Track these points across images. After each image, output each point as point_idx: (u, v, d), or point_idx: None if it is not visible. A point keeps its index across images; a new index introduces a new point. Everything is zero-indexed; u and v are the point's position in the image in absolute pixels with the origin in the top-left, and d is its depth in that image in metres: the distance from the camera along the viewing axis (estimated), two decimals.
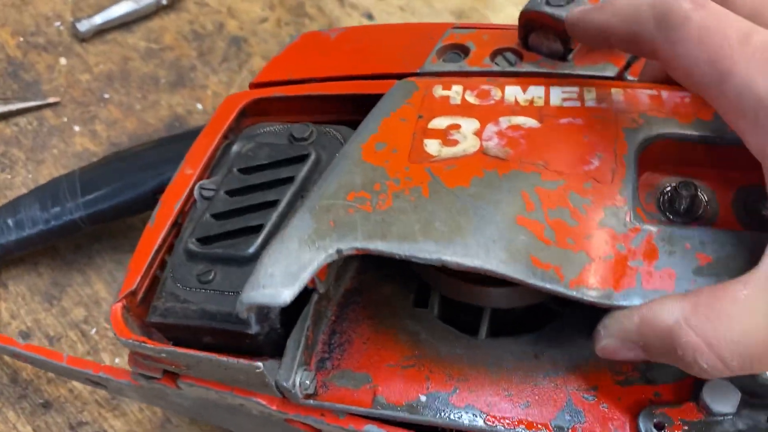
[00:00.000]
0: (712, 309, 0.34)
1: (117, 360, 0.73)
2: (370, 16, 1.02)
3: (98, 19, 0.93)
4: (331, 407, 0.46)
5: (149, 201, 0.73)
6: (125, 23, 0.96)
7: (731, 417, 0.40)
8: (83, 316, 0.76)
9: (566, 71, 0.53)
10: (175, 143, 0.76)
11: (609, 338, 0.39)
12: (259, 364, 0.43)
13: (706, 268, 0.38)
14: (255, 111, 0.58)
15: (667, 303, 0.36)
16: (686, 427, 0.41)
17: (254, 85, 0.59)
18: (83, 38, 0.94)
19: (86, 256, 0.80)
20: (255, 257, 0.46)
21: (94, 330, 0.75)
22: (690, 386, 0.42)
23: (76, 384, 0.73)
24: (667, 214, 0.43)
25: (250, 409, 0.50)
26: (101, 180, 0.73)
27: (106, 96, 0.90)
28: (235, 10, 1.01)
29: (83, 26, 0.93)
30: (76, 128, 0.87)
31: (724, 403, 0.40)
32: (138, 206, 0.74)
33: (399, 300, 0.50)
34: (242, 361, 0.43)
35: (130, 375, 0.54)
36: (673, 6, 0.37)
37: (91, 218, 0.72)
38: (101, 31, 0.95)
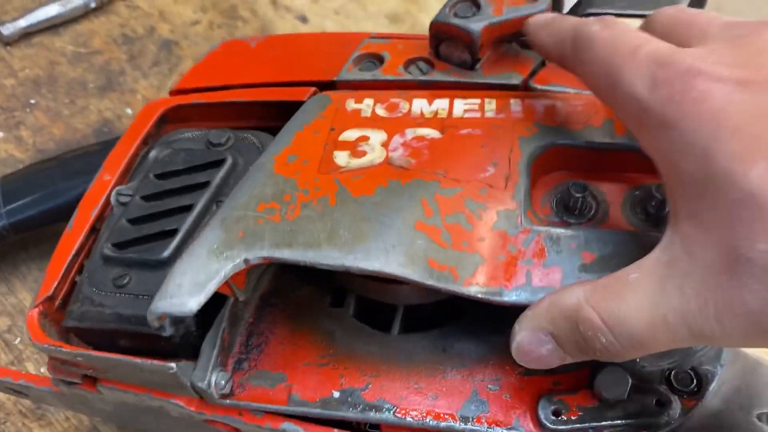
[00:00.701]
0: (608, 289, 0.37)
1: (42, 369, 0.72)
2: (303, 19, 1.03)
3: (23, 22, 0.92)
4: (247, 406, 0.47)
5: (75, 209, 0.72)
6: (52, 26, 0.95)
7: (623, 401, 0.43)
8: (7, 325, 0.75)
9: (474, 80, 0.55)
10: (100, 151, 0.75)
11: (522, 331, 0.41)
12: (172, 365, 0.44)
13: (590, 265, 0.41)
14: (175, 118, 0.58)
15: (572, 287, 0.39)
16: (581, 413, 0.43)
17: (175, 92, 0.60)
18: (8, 42, 0.92)
19: (11, 265, 0.79)
20: (169, 261, 0.47)
21: (18, 340, 0.74)
22: (586, 375, 0.45)
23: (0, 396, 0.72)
24: (562, 215, 0.46)
25: (169, 410, 0.51)
26: (26, 188, 0.72)
27: (32, 101, 0.89)
28: (166, 13, 1.01)
29: (7, 29, 0.91)
30: (1, 134, 0.86)
31: (615, 390, 0.43)
32: (65, 214, 0.73)
33: (316, 301, 0.51)
34: (156, 362, 0.44)
35: (51, 381, 0.54)
36: (584, 29, 0.42)
37: (14, 227, 0.71)
38: (27, 34, 0.93)
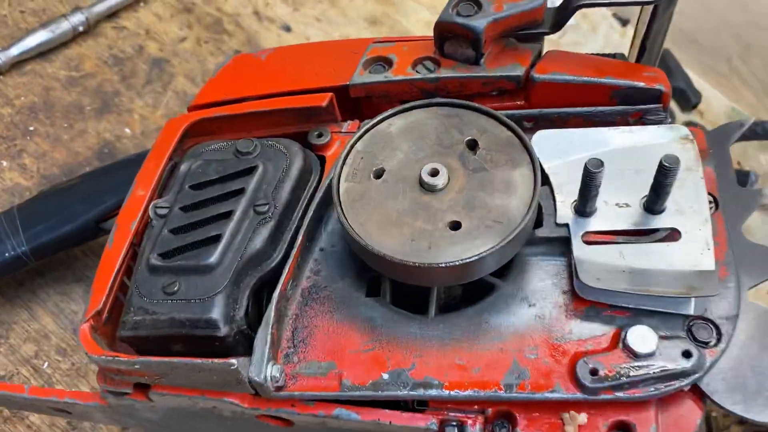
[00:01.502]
0: None
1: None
2: (288, 29, 1.06)
3: (14, 51, 0.93)
4: (301, 396, 0.50)
5: (91, 231, 0.74)
6: (42, 53, 0.96)
7: (652, 355, 0.47)
8: (33, 351, 0.76)
9: (480, 74, 0.59)
10: (110, 173, 0.77)
11: None
12: (233, 361, 0.46)
13: None
14: (196, 132, 0.61)
15: None
16: (617, 370, 0.47)
17: (192, 108, 0.62)
18: (0, 71, 0.93)
19: (29, 292, 0.80)
20: (216, 265, 0.49)
21: (45, 364, 0.76)
22: (617, 336, 0.49)
23: (34, 419, 0.73)
24: None
25: (222, 410, 0.53)
26: (41, 214, 0.74)
27: (31, 128, 0.90)
28: (153, 31, 1.03)
29: None
30: (5, 164, 0.87)
31: (645, 345, 0.47)
32: (80, 237, 0.75)
33: (353, 292, 0.54)
34: (217, 361, 0.46)
35: (99, 395, 0.56)
36: None
37: (35, 252, 0.72)
38: (18, 63, 0.94)
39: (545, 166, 0.55)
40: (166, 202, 0.54)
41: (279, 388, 0.50)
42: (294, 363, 0.51)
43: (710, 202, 0.54)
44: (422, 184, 0.51)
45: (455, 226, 0.49)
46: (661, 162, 0.48)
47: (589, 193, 0.50)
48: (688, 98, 1.08)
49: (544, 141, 0.56)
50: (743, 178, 1.21)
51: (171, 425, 0.60)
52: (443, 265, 0.47)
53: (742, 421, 0.90)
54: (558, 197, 0.53)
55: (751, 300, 0.51)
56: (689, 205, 0.52)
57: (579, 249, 0.51)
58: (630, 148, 0.55)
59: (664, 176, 0.48)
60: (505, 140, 0.53)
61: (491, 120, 0.54)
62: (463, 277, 0.49)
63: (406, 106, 0.55)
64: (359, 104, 0.62)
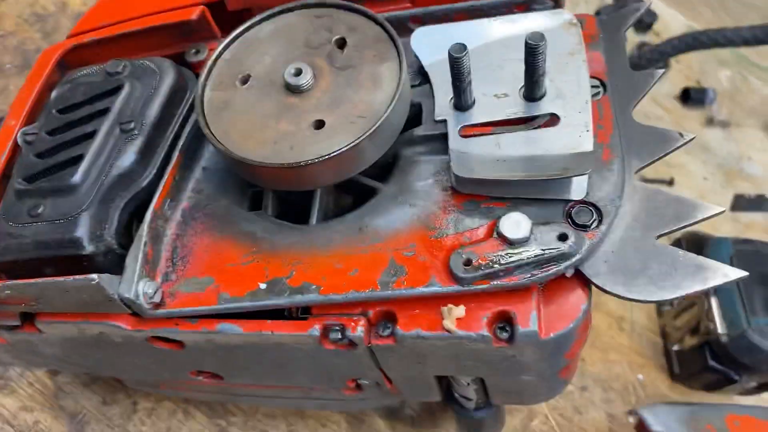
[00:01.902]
0: None
1: None
2: None
3: None
4: (180, 313, 0.49)
5: None
6: None
7: (527, 241, 0.45)
8: None
9: None
10: None
11: None
12: (94, 276, 0.45)
13: None
14: (77, 61, 0.59)
15: None
16: (490, 258, 0.45)
17: (72, 36, 0.60)
18: None
19: None
20: (79, 185, 0.48)
21: None
22: (492, 227, 0.47)
23: None
24: None
25: (111, 336, 0.52)
26: None
27: None
28: None
29: None
30: None
31: (518, 231, 0.45)
32: None
33: (235, 208, 0.53)
34: (78, 277, 0.45)
35: None
36: None
37: None
38: None
39: (425, 64, 0.53)
40: (35, 128, 0.52)
41: (157, 306, 0.49)
42: (172, 281, 0.50)
43: (597, 86, 0.52)
44: (287, 85, 0.49)
45: (319, 125, 0.47)
46: (525, 41, 0.46)
47: (460, 83, 0.48)
48: (642, 18, 1.05)
49: (423, 38, 0.54)
50: (700, 95, 1.19)
51: (75, 359, 0.60)
52: (302, 163, 0.45)
53: (693, 331, 0.90)
54: (437, 94, 0.52)
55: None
56: (569, 90, 0.50)
57: (455, 142, 0.49)
58: (511, 37, 0.52)
59: (530, 56, 0.46)
60: (373, 37, 0.50)
61: (362, 18, 0.52)
62: (328, 176, 0.48)
63: (276, 9, 0.53)
64: (242, 19, 0.59)
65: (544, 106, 0.49)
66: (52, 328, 0.52)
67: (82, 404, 0.72)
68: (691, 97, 1.10)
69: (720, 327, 0.84)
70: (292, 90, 0.49)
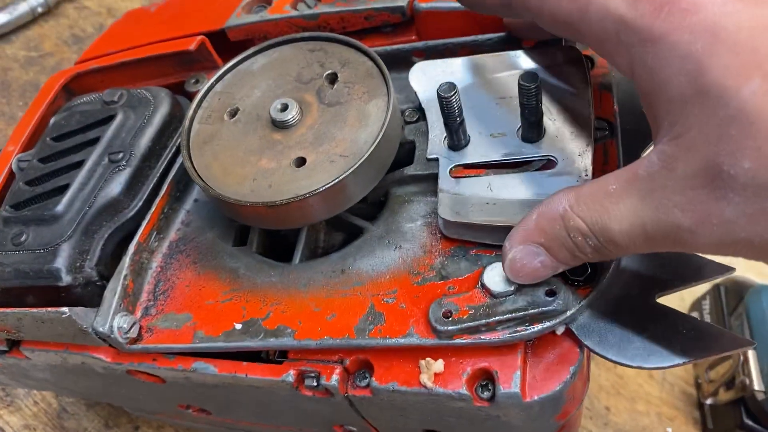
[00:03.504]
0: (591, 197, 0.37)
1: None
2: None
3: None
4: (155, 349, 0.48)
5: None
6: (2, 35, 0.97)
7: (512, 295, 0.42)
8: None
9: (360, 7, 0.55)
10: None
11: (513, 247, 0.40)
12: (65, 309, 0.44)
13: None
14: (82, 87, 0.59)
15: (556, 195, 0.39)
16: (471, 311, 0.42)
17: (79, 63, 0.61)
18: None
19: None
20: (62, 215, 0.48)
21: None
22: (477, 276, 0.44)
23: None
24: None
25: (93, 367, 0.52)
26: None
27: None
28: (115, 9, 1.03)
29: None
30: None
31: (502, 284, 0.42)
32: None
33: (220, 242, 0.52)
34: (51, 309, 0.45)
35: None
36: None
37: None
38: None
39: (421, 99, 0.51)
40: (29, 155, 0.53)
41: (134, 341, 0.48)
42: (152, 315, 0.49)
43: (604, 128, 0.49)
44: (273, 121, 0.47)
45: (300, 162, 0.46)
46: (518, 82, 0.43)
47: (451, 122, 0.46)
48: None
49: (421, 73, 0.51)
50: None
51: (64, 384, 0.60)
52: (277, 203, 0.44)
53: (728, 384, 0.83)
54: (432, 131, 0.49)
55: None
56: (571, 131, 0.46)
57: (446, 183, 0.47)
58: (512, 74, 0.50)
59: (524, 97, 0.44)
60: (365, 72, 0.49)
61: (356, 52, 0.50)
62: (306, 216, 0.46)
63: (269, 42, 0.52)
64: (245, 49, 0.59)
65: (542, 149, 0.46)
66: (36, 355, 0.52)
67: (85, 426, 0.72)
68: None
69: (757, 383, 0.77)
70: (278, 125, 0.47)
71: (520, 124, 0.47)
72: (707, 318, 0.90)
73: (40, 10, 0.98)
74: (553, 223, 0.38)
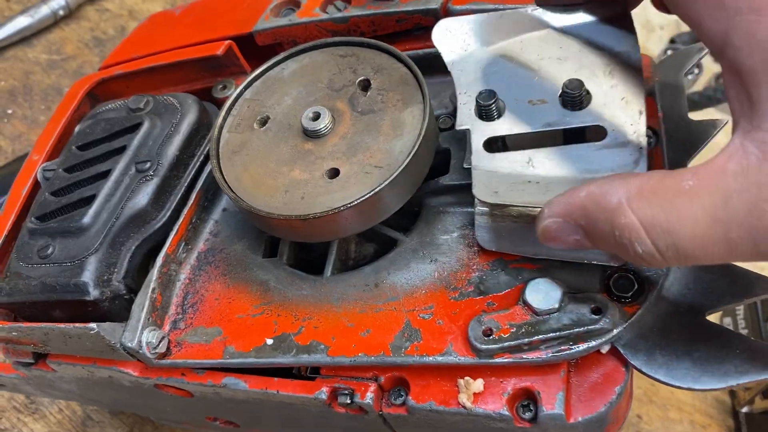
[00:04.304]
0: (656, 194, 0.32)
1: None
2: None
3: None
4: (184, 364, 0.47)
5: None
6: (24, 38, 0.97)
7: (556, 313, 0.40)
8: None
9: (392, 9, 0.53)
10: None
11: (551, 218, 0.36)
12: (93, 325, 0.43)
13: None
14: (107, 93, 0.58)
15: (614, 181, 0.33)
16: (513, 330, 0.41)
17: (104, 68, 0.59)
18: None
19: None
20: (89, 227, 0.47)
21: None
22: (518, 292, 0.42)
23: None
24: None
25: (120, 380, 0.51)
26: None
27: (9, 111, 0.91)
28: (136, 11, 1.02)
29: None
30: None
31: (546, 301, 0.41)
32: None
33: (250, 254, 0.50)
34: (78, 325, 0.44)
35: (12, 366, 0.55)
36: None
37: None
38: (0, 49, 0.95)
39: (447, 61, 0.46)
40: (55, 165, 0.51)
41: (162, 356, 0.47)
42: (180, 329, 0.48)
43: (649, 136, 0.47)
44: (304, 130, 0.46)
45: (333, 174, 0.44)
46: (562, 88, 0.41)
47: (490, 113, 0.43)
48: None
49: (446, 31, 0.46)
50: None
51: (91, 396, 0.59)
52: (311, 216, 0.42)
53: (765, 393, 0.81)
54: (461, 99, 0.44)
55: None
56: (620, 97, 0.41)
57: (479, 158, 0.42)
58: (549, 33, 0.44)
59: (567, 105, 0.42)
60: (399, 79, 0.47)
61: (390, 57, 0.48)
62: (339, 230, 0.44)
63: (299, 47, 0.50)
64: (274, 53, 0.57)
65: (589, 116, 0.42)
66: (63, 368, 0.51)
67: None
68: None
69: None
70: (309, 135, 0.46)
71: (561, 90, 0.42)
72: (741, 324, 0.87)
73: (61, 13, 0.98)
74: (602, 212, 0.33)
